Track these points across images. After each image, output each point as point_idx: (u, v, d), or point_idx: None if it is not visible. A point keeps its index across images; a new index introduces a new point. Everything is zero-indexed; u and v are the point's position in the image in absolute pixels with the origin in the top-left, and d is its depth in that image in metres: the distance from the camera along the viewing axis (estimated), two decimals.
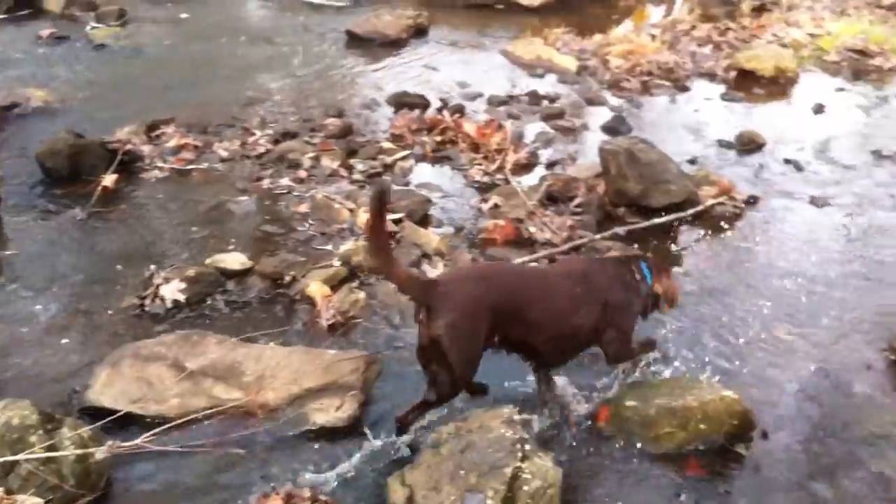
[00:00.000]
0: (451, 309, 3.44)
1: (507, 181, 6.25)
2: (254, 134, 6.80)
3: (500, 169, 6.43)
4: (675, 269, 5.10)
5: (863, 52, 9.46)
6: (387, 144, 6.78)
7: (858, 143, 7.28)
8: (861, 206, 6.19)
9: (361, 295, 4.81)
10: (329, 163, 6.35)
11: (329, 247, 5.33)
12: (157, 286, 4.75)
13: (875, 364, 4.46)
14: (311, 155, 6.46)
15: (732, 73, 8.82)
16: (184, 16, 10.10)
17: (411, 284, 3.55)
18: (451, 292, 3.48)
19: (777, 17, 10.76)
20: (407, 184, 6.26)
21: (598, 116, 7.65)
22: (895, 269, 5.38)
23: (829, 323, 4.81)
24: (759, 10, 11.13)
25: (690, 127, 7.53)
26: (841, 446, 3.87)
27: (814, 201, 6.24)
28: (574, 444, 3.81)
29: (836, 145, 7.20)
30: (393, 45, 9.30)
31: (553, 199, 6.03)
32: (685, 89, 8.45)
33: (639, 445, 3.78)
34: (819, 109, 8.00)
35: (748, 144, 7.12)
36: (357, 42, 9.34)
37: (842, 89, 8.67)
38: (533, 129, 7.28)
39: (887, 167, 6.83)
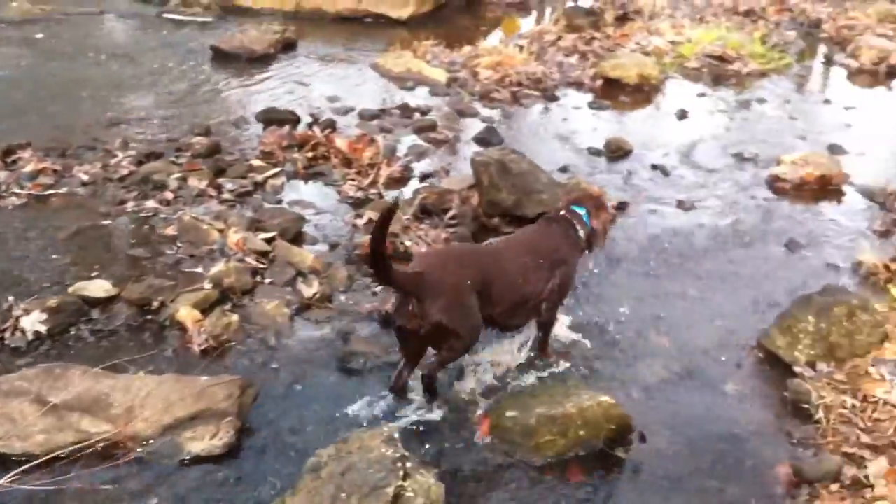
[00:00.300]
0: (442, 295, 3.76)
1: (381, 196, 6.19)
2: (116, 155, 6.54)
3: (374, 183, 6.37)
4: None
5: (721, 58, 9.79)
6: (257, 162, 6.63)
7: (721, 146, 7.51)
8: (726, 209, 6.37)
9: (234, 318, 4.67)
10: (196, 183, 6.16)
11: (199, 269, 5.14)
12: (17, 318, 4.49)
13: (744, 362, 4.57)
14: (177, 175, 6.25)
15: (599, 82, 9.00)
16: (39, 36, 9.68)
17: (405, 281, 3.78)
18: (438, 281, 3.78)
19: (639, 25, 11.05)
20: (279, 202, 6.13)
21: (470, 128, 7.69)
22: (760, 268, 5.54)
23: (700, 324, 4.91)
24: (621, 20, 11.44)
25: (561, 135, 7.64)
26: (715, 444, 3.94)
27: (681, 205, 6.39)
28: (457, 457, 3.77)
29: (700, 149, 7.42)
30: (260, 60, 9.12)
31: (428, 212, 5.99)
32: (554, 99, 8.57)
33: (521, 455, 3.77)
34: (682, 115, 8.23)
35: (616, 151, 7.25)
36: (223, 58, 9.13)
37: (703, 94, 8.95)
38: (406, 142, 7.25)
39: (749, 169, 7.06)
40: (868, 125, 8.19)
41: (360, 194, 6.28)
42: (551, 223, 4.43)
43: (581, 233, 4.37)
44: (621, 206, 6.29)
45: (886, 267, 5.37)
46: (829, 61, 10.42)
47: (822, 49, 10.93)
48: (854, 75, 9.93)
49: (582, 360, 4.50)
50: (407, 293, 3.80)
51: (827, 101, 8.99)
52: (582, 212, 4.42)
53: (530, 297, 4.15)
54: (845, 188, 6.72)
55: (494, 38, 10.86)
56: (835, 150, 7.44)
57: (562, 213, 4.47)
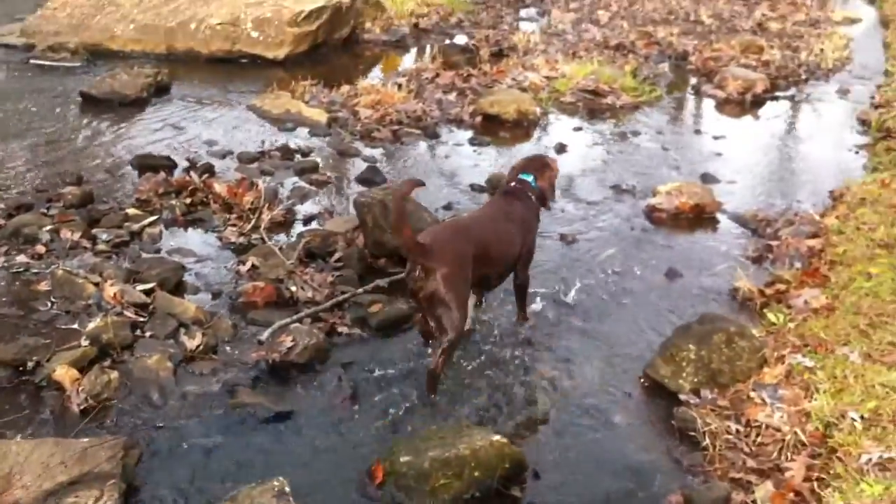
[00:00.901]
0: (443, 265, 4.29)
1: (263, 241, 6.08)
2: None
3: (256, 228, 6.26)
4: None
5: (595, 92, 10.03)
6: (132, 210, 6.44)
7: (599, 178, 7.68)
8: (607, 240, 6.50)
9: (114, 374, 4.48)
10: (69, 235, 5.92)
11: (75, 325, 4.93)
12: None
13: (633, 392, 4.65)
14: (48, 228, 6.00)
15: (478, 118, 9.10)
16: None
17: (415, 249, 4.28)
18: (441, 251, 4.32)
19: (514, 62, 11.26)
20: (157, 251, 5.95)
21: (353, 168, 7.66)
22: (643, 298, 5.66)
23: (589, 356, 4.97)
24: (497, 56, 11.64)
25: (443, 173, 7.68)
26: (608, 477, 3.98)
27: (563, 238, 6.49)
28: None
29: (580, 182, 7.56)
30: (133, 105, 8.88)
31: (312, 255, 5.92)
32: (435, 136, 8.62)
33: (417, 501, 3.72)
34: (561, 149, 8.38)
35: (499, 187, 7.31)
36: (94, 104, 8.85)
37: (580, 128, 9.15)
38: (287, 184, 7.17)
39: (627, 201, 7.23)
40: (737, 154, 8.51)
41: (241, 240, 6.16)
42: (508, 195, 5.11)
43: (532, 197, 5.10)
44: None
45: (761, 292, 5.55)
46: (697, 92, 10.80)
47: (691, 80, 11.33)
48: (722, 105, 10.31)
49: (472, 400, 4.49)
50: (411, 259, 4.36)
51: (698, 132, 9.31)
52: (529, 178, 5.15)
53: (514, 257, 4.89)
54: (719, 216, 6.94)
55: (373, 76, 10.88)
56: (707, 179, 7.70)
57: (512, 184, 5.17)
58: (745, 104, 10.33)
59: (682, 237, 6.61)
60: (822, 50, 12.41)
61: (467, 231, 4.67)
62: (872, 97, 10.38)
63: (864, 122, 9.47)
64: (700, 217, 6.89)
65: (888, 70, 11.59)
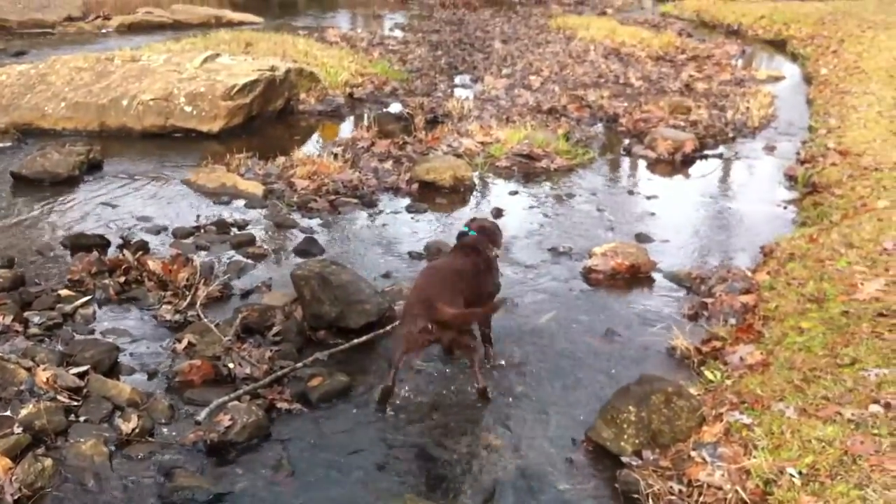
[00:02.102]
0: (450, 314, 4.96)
1: (199, 317, 6.00)
2: None
3: (192, 305, 6.18)
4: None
5: (529, 156, 10.19)
6: (65, 291, 6.32)
7: (537, 241, 7.75)
8: (545, 304, 6.54)
9: (49, 462, 4.36)
10: (0, 319, 5.78)
11: (7, 413, 4.78)
12: None
13: (576, 457, 4.65)
14: None
15: (415, 186, 9.15)
16: None
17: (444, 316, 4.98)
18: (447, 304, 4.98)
19: (449, 128, 11.38)
20: (91, 332, 5.84)
21: (290, 239, 7.63)
22: (583, 360, 5.69)
23: (531, 421, 4.97)
24: (432, 123, 11.76)
25: (381, 242, 7.69)
26: None
27: (503, 302, 6.51)
28: None
29: (518, 246, 7.62)
30: (65, 183, 8.76)
31: (250, 330, 5.86)
32: (372, 205, 8.64)
33: None
34: (498, 213, 8.45)
35: (437, 254, 7.35)
36: (24, 184, 8.71)
37: (516, 192, 9.26)
38: (224, 259, 7.10)
39: (564, 263, 7.30)
40: (670, 212, 8.68)
41: (177, 317, 6.07)
42: (468, 248, 5.63)
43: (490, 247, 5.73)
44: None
45: (698, 350, 5.63)
46: (629, 153, 11.01)
47: (622, 142, 11.56)
48: (653, 165, 10.53)
49: (414, 468, 4.46)
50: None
51: (631, 192, 9.47)
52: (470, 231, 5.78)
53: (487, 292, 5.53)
54: (654, 275, 7.04)
55: (308, 146, 10.91)
56: (642, 238, 7.83)
57: (467, 241, 5.69)
58: (676, 163, 10.56)
59: (620, 297, 6.68)
60: (747, 108, 12.78)
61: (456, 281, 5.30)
62: (798, 153, 10.70)
63: (791, 178, 9.74)
64: (636, 277, 6.98)
65: (812, 126, 11.95)
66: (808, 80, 15.71)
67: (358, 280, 6.12)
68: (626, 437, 4.58)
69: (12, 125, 10.65)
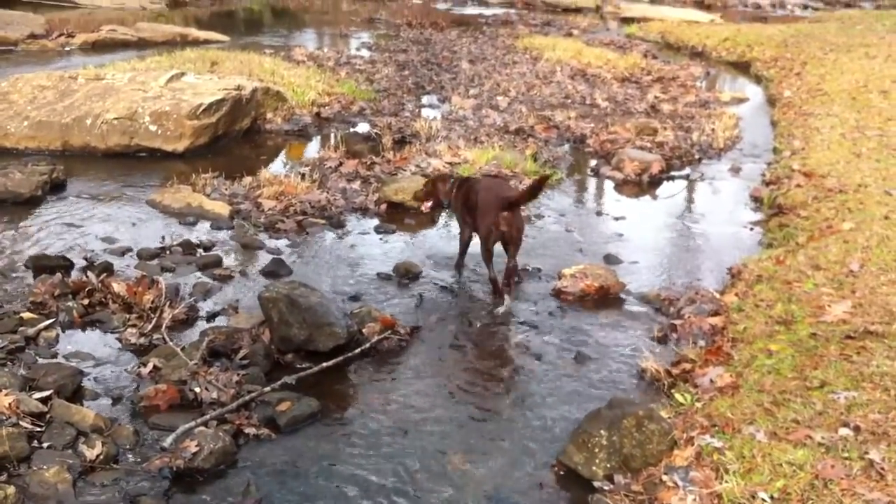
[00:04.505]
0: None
1: (165, 340, 5.91)
2: None
3: (158, 328, 6.09)
4: (352, 412, 5.13)
5: (497, 177, 10.15)
6: (27, 314, 6.20)
7: (505, 262, 7.70)
8: (515, 326, 6.53)
9: (11, 489, 4.26)
10: None
11: None
12: None
13: (546, 481, 4.62)
14: None
15: (383, 206, 9.10)
16: None
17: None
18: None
19: (417, 148, 11.34)
20: (54, 356, 5.74)
21: (257, 261, 7.56)
22: (553, 384, 5.68)
23: (500, 446, 4.95)
24: (400, 143, 11.72)
25: (349, 263, 7.63)
26: None
27: (471, 324, 6.52)
28: None
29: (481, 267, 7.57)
30: (27, 203, 8.59)
31: (217, 353, 5.77)
32: (340, 226, 8.58)
33: None
34: None
35: (406, 275, 7.33)
36: None
37: None
38: (190, 280, 7.01)
39: (533, 284, 7.30)
40: (638, 234, 8.71)
41: (142, 340, 5.98)
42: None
43: None
44: (414, 331, 6.31)
45: (668, 372, 5.63)
46: (596, 174, 11.05)
47: (590, 163, 11.60)
48: (620, 186, 10.57)
49: (384, 494, 4.41)
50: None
51: (599, 213, 9.49)
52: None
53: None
54: (623, 296, 7.05)
55: (275, 166, 10.84)
56: (610, 260, 7.84)
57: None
58: (643, 185, 10.61)
59: (589, 319, 6.68)
60: (713, 130, 12.88)
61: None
62: (763, 174, 10.80)
63: (756, 199, 9.82)
64: (605, 298, 6.98)
65: (776, 147, 12.07)
66: (771, 102, 15.88)
67: (327, 302, 6.07)
68: (597, 461, 4.57)
69: None
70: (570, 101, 15.48)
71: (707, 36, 23.82)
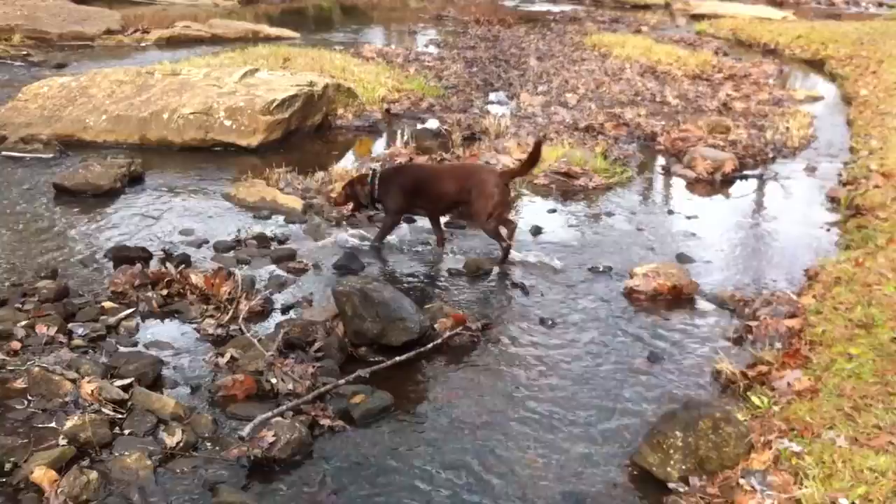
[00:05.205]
0: None
1: (242, 332, 6.01)
2: None
3: (234, 319, 6.19)
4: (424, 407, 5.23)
5: (567, 174, 10.14)
6: (108, 304, 6.35)
7: (576, 261, 7.70)
8: (586, 324, 6.50)
9: (94, 474, 4.38)
10: (45, 330, 5.82)
11: (53, 424, 4.83)
12: None
13: (620, 481, 4.60)
14: (24, 323, 5.89)
15: None
16: None
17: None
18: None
19: (486, 145, 11.36)
20: (134, 344, 5.88)
21: (330, 255, 7.63)
22: (625, 382, 5.65)
23: (573, 444, 4.93)
24: (469, 140, 11.73)
25: (420, 259, 7.68)
26: None
27: (543, 322, 6.49)
28: None
29: (557, 265, 7.56)
30: (107, 195, 8.81)
31: (292, 345, 5.85)
32: (411, 220, 8.61)
33: None
34: (537, 231, 8.42)
35: (476, 271, 7.34)
36: (67, 196, 8.78)
37: (554, 210, 9.21)
38: (264, 273, 7.11)
39: (605, 282, 7.25)
40: (710, 233, 8.62)
41: (220, 331, 6.09)
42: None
43: None
44: (485, 327, 6.32)
45: (744, 374, 5.56)
46: (667, 173, 10.95)
47: (660, 161, 11.50)
48: (692, 185, 10.45)
49: (457, 489, 4.43)
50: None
51: (670, 212, 9.40)
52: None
53: None
54: (696, 297, 6.97)
55: (346, 162, 10.94)
56: (683, 259, 7.76)
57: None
58: (715, 183, 10.48)
59: (661, 319, 6.62)
60: (787, 128, 12.67)
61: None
62: (840, 174, 10.59)
63: (833, 200, 9.65)
64: (678, 298, 6.92)
65: (853, 147, 11.83)
66: (847, 100, 15.56)
67: (399, 297, 6.11)
68: (672, 462, 4.53)
69: (54, 136, 10.73)
70: (639, 98, 15.35)
71: (779, 33, 23.41)
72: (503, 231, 7.60)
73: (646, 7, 33.42)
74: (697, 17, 29.49)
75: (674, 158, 11.41)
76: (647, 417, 5.12)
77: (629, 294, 6.99)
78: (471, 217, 7.81)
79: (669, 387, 5.58)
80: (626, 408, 5.34)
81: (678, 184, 10.55)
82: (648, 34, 24.22)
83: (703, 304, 6.89)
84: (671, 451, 4.55)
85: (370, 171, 7.93)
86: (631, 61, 18.69)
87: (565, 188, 9.93)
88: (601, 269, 7.49)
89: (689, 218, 9.09)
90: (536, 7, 32.26)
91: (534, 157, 7.49)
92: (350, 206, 7.98)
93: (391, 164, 9.04)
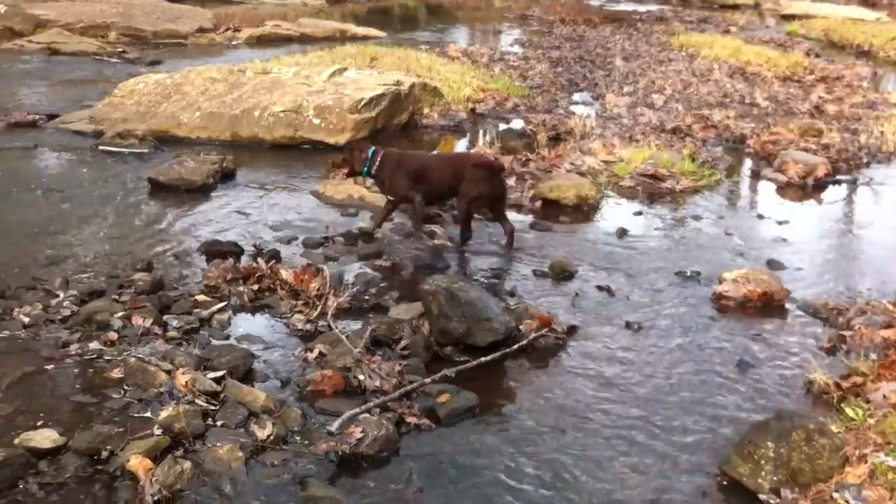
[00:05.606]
0: None
1: (330, 328, 6.09)
2: (57, 295, 6.35)
3: (322, 315, 6.28)
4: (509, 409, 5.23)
5: (654, 176, 10.02)
6: (202, 297, 6.51)
7: (663, 264, 7.61)
8: (674, 329, 6.43)
9: (187, 464, 4.49)
10: (141, 321, 5.99)
11: (148, 414, 4.96)
12: None
13: (709, 491, 4.54)
14: (120, 314, 6.08)
15: (538, 203, 9.12)
16: None
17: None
18: None
19: (572, 146, 11.30)
20: (226, 338, 6.00)
21: (416, 253, 7.67)
22: (714, 390, 5.56)
23: (660, 451, 4.88)
24: (554, 141, 11.68)
25: (505, 258, 7.69)
26: None
27: (629, 326, 6.43)
28: None
29: (643, 268, 7.51)
30: (199, 191, 9.04)
31: (378, 343, 5.91)
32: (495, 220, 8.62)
33: None
34: (622, 234, 8.35)
35: (561, 273, 7.31)
36: (161, 190, 9.03)
37: (640, 213, 9.12)
38: (352, 270, 7.20)
39: (692, 287, 7.15)
40: (802, 239, 8.43)
41: (308, 326, 6.18)
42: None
43: None
44: (571, 330, 6.30)
45: (837, 385, 5.43)
46: (757, 176, 10.75)
47: (749, 164, 11.30)
48: (783, 189, 10.25)
49: (543, 491, 4.43)
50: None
51: (760, 216, 9.22)
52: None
53: None
54: (787, 304, 6.83)
55: None
56: (773, 265, 7.61)
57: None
58: (807, 188, 10.25)
59: (751, 326, 6.50)
60: (881, 133, 12.31)
61: None
62: None
63: None
64: (768, 305, 6.78)
65: None
66: None
67: (485, 297, 6.14)
68: (763, 473, 4.45)
69: (149, 132, 11.03)
70: (728, 100, 15.11)
71: (873, 35, 22.79)
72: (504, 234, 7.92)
73: (734, 7, 32.89)
74: (788, 18, 28.90)
75: (764, 162, 11.20)
76: (736, 426, 5.04)
77: (718, 300, 6.89)
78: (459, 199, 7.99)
79: (759, 396, 5.48)
80: (714, 415, 5.26)
81: (768, 188, 10.35)
82: (737, 34, 23.84)
83: (794, 312, 6.74)
84: (762, 462, 4.47)
85: (370, 145, 8.30)
86: (719, 62, 18.41)
87: (651, 190, 9.82)
88: (689, 274, 7.39)
89: (779, 223, 8.90)
90: (622, 6, 31.98)
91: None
92: (344, 170, 8.24)
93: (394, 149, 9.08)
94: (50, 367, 5.47)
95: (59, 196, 8.84)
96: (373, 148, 8.09)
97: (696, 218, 9.00)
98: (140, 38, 19.44)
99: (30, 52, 17.18)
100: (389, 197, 8.11)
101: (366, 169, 8.00)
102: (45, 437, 4.64)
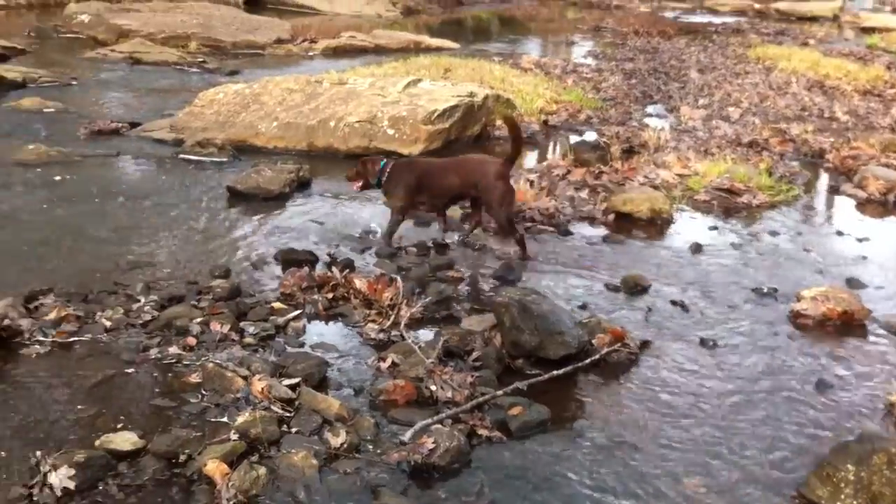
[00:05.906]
0: None
1: (403, 338, 6.14)
2: (138, 300, 6.51)
3: (395, 325, 6.33)
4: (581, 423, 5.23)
5: (730, 191, 9.90)
6: (277, 304, 6.61)
7: (738, 280, 7.51)
8: (749, 347, 6.33)
9: (262, 470, 4.56)
10: (218, 327, 6.11)
11: (224, 419, 5.05)
12: (45, 473, 4.39)
13: None
14: (199, 320, 6.20)
15: (611, 216, 9.06)
16: (57, 178, 9.74)
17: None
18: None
19: (645, 159, 11.21)
20: (301, 345, 6.09)
21: (487, 264, 7.70)
22: (791, 411, 5.46)
23: (735, 470, 4.81)
24: (628, 153, 11.60)
25: (577, 272, 7.65)
26: None
27: (703, 343, 6.35)
28: None
29: (718, 284, 7.41)
30: (276, 199, 9.19)
31: (451, 353, 5.94)
32: (568, 234, 8.61)
33: None
34: (697, 249, 8.26)
35: (634, 287, 7.26)
36: (239, 198, 9.19)
37: (715, 227, 9.01)
38: (423, 281, 7.23)
39: (769, 304, 7.04)
40: (884, 257, 8.24)
41: (381, 336, 6.23)
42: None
43: None
44: (644, 345, 6.25)
45: None
46: (836, 192, 10.55)
47: (828, 180, 11.08)
48: (863, 205, 10.04)
49: None
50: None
51: (839, 233, 9.04)
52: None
53: None
54: (868, 324, 6.68)
55: None
56: (853, 283, 7.45)
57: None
58: (889, 205, 10.02)
59: (831, 346, 6.38)
60: None
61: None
62: None
63: None
64: (848, 325, 6.65)
65: None
66: None
67: (558, 310, 6.12)
68: (842, 497, 4.37)
69: (228, 141, 11.23)
70: (806, 113, 14.86)
71: None
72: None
73: (812, 19, 32.30)
74: (867, 31, 28.29)
75: (843, 177, 10.99)
76: (813, 448, 4.95)
77: (795, 318, 6.77)
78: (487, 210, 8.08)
79: (839, 417, 5.37)
80: (790, 436, 5.17)
81: (847, 204, 10.14)
82: (815, 47, 23.39)
83: (875, 332, 6.60)
84: (842, 485, 4.38)
85: (383, 158, 8.45)
86: (797, 75, 18.10)
87: (727, 205, 9.70)
88: (765, 291, 7.27)
89: (859, 240, 8.72)
90: (697, 18, 31.65)
91: (516, 137, 8.05)
92: (359, 183, 8.28)
93: (404, 159, 9.31)
94: (130, 370, 5.61)
95: (141, 203, 9.04)
96: (384, 160, 8.26)
97: (773, 234, 8.86)
98: (219, 49, 19.81)
99: (113, 60, 17.62)
100: (389, 207, 8.29)
101: (377, 180, 8.11)
102: (124, 440, 4.76)
